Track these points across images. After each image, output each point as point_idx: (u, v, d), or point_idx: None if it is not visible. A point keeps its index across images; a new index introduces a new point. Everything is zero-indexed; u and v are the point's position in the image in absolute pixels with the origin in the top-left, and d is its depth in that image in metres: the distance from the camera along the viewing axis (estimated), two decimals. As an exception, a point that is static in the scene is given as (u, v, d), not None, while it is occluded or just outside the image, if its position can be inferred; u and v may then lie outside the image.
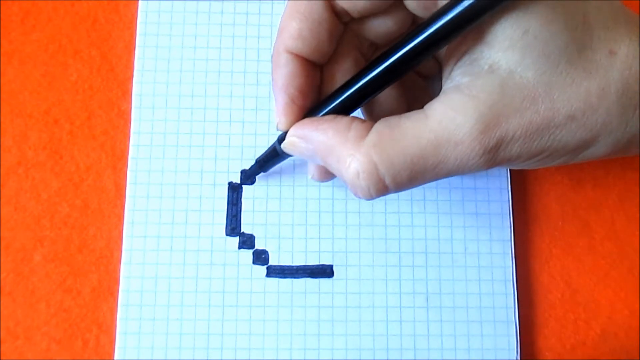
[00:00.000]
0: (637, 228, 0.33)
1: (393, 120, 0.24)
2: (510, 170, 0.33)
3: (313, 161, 0.27)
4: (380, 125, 0.24)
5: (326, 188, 0.32)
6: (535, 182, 0.34)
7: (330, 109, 0.26)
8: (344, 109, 0.26)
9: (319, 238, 0.32)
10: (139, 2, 0.34)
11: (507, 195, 0.33)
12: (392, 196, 0.32)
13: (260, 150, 0.32)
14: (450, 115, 0.23)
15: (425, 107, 0.24)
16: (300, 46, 0.25)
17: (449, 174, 0.24)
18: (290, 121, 0.26)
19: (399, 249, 0.32)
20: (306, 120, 0.26)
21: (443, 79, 0.25)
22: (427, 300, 0.31)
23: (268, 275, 0.31)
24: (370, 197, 0.24)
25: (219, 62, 0.33)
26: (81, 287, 0.31)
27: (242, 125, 0.33)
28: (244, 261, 0.31)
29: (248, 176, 0.32)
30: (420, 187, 0.32)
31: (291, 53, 0.26)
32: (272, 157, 0.30)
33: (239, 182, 0.32)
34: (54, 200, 0.32)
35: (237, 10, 0.34)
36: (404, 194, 0.32)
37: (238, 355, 0.30)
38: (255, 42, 0.34)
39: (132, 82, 0.33)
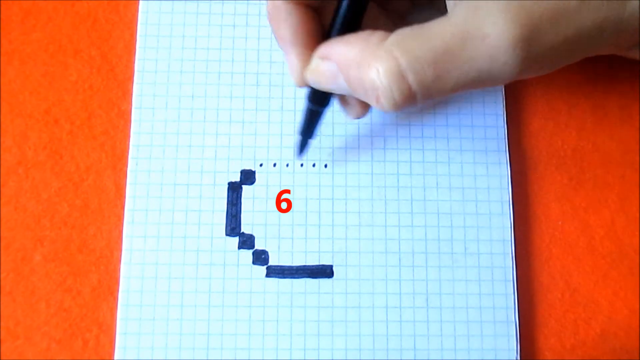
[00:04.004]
0: (637, 228, 0.33)
1: (415, 25, 0.24)
2: (510, 168, 0.33)
3: (337, 87, 0.26)
4: (401, 29, 0.24)
5: (326, 188, 0.32)
6: (535, 182, 0.34)
7: (339, 28, 0.26)
8: (353, 22, 0.26)
9: (319, 238, 0.32)
10: (140, 2, 0.34)
11: (507, 195, 0.33)
12: (392, 196, 0.32)
13: (260, 150, 0.32)
14: (473, 12, 0.22)
15: (447, 13, 0.24)
16: None
17: (479, 76, 0.23)
18: None
19: (399, 249, 0.32)
20: (324, 43, 0.26)
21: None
22: (427, 300, 0.31)
23: (268, 275, 0.31)
24: (395, 105, 0.24)
25: (219, 63, 0.33)
26: (81, 287, 0.31)
27: (242, 126, 0.33)
28: (243, 261, 0.31)
29: (300, 151, 0.32)
30: (421, 187, 0.32)
31: (291, 2, 0.26)
32: (309, 118, 0.29)
33: (238, 182, 0.32)
34: (54, 200, 0.32)
35: (237, 12, 0.34)
36: (404, 195, 0.32)
37: (238, 355, 0.30)
38: (255, 43, 0.34)
39: (132, 83, 0.33)
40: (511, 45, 0.22)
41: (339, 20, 0.26)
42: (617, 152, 0.34)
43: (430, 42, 0.23)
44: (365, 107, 0.29)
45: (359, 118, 0.30)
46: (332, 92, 0.27)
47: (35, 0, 0.34)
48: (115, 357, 0.30)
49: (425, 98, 0.24)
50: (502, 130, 0.33)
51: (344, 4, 0.25)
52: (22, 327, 0.31)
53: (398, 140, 0.33)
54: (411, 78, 0.23)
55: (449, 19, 0.23)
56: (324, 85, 0.26)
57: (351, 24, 0.26)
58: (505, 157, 0.33)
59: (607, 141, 0.34)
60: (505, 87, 0.34)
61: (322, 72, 0.25)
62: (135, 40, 0.34)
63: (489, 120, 0.34)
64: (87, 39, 0.34)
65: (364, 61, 0.23)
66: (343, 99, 0.29)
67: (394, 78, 0.23)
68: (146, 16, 0.34)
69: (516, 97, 0.35)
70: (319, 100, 0.28)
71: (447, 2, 0.25)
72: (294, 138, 0.32)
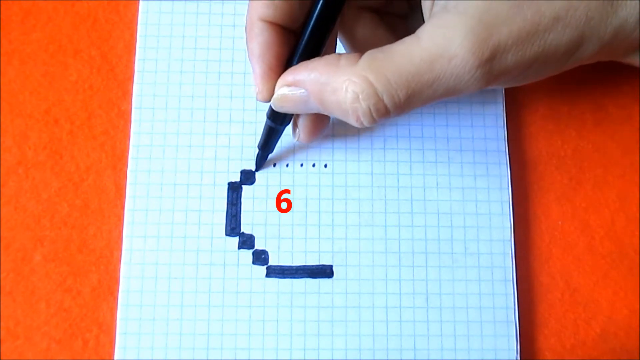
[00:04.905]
0: (637, 228, 0.33)
1: (384, 47, 0.25)
2: (510, 168, 0.33)
3: (306, 109, 0.27)
4: (371, 52, 0.25)
5: (326, 188, 0.32)
6: (535, 182, 0.34)
7: (302, 52, 0.26)
8: (316, 47, 0.26)
9: (319, 238, 0.32)
10: (140, 2, 0.34)
11: (507, 195, 0.33)
12: (392, 196, 0.32)
13: (260, 151, 0.32)
14: (441, 32, 0.23)
15: (416, 32, 0.24)
16: (273, 13, 0.26)
17: (447, 92, 0.24)
18: (270, 89, 0.27)
19: (399, 249, 0.32)
20: (289, 70, 0.26)
21: (425, 11, 0.26)
22: (427, 300, 0.31)
23: (268, 275, 0.31)
24: (373, 121, 0.25)
25: (219, 63, 0.33)
26: (81, 287, 0.31)
27: (242, 126, 0.33)
28: (243, 261, 0.31)
29: (258, 165, 0.32)
30: (421, 187, 0.32)
31: (265, 21, 0.26)
32: (269, 135, 0.30)
33: (238, 182, 0.32)
34: (54, 200, 0.32)
35: (237, 12, 0.34)
36: (404, 195, 0.32)
37: (238, 355, 0.30)
38: (255, 42, 0.34)
39: (132, 83, 0.33)
40: (474, 66, 0.23)
41: (301, 47, 0.27)
42: (617, 152, 0.34)
43: (401, 67, 0.24)
44: (316, 132, 0.30)
45: (308, 142, 0.31)
46: (299, 112, 0.28)
47: (35, 0, 0.34)
48: (115, 357, 0.30)
49: (398, 114, 0.25)
50: (502, 131, 0.33)
51: (307, 31, 0.26)
52: (22, 327, 0.31)
53: (398, 140, 0.33)
54: (386, 100, 0.24)
55: (418, 41, 0.24)
56: (290, 110, 0.27)
57: (314, 50, 0.27)
58: (505, 157, 0.33)
59: (607, 141, 0.34)
60: (505, 87, 0.34)
61: (291, 98, 0.26)
62: (135, 40, 0.34)
63: (489, 120, 0.34)
64: (87, 39, 0.34)
65: (339, 86, 0.24)
66: (296, 124, 0.30)
67: (372, 101, 0.24)
68: (146, 16, 0.34)
69: (516, 97, 0.35)
70: (279, 119, 0.29)
71: (423, 11, 0.26)
72: (255, 151, 0.32)
